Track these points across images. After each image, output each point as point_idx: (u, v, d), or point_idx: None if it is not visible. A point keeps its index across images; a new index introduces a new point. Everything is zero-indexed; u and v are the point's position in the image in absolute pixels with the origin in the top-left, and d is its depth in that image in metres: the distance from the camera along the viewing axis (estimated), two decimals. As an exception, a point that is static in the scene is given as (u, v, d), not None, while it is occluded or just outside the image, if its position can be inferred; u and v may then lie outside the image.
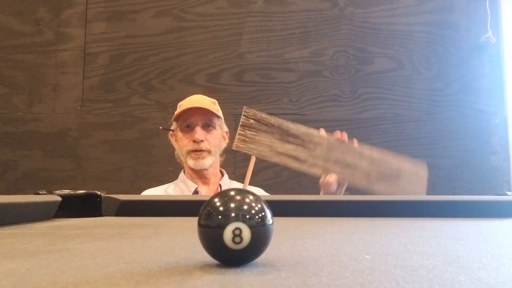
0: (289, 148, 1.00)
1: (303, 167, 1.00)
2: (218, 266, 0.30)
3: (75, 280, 0.26)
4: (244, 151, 1.00)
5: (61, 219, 0.73)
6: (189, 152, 1.23)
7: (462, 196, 0.87)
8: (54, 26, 1.91)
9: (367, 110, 1.83)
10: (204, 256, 0.31)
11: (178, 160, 1.33)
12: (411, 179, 1.02)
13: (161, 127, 1.44)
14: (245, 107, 1.00)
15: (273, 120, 1.01)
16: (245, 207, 0.30)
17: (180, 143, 1.26)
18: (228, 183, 1.32)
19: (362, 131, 1.79)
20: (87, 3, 1.92)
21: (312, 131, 1.03)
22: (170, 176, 1.43)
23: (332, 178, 1.02)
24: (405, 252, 0.36)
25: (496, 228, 0.61)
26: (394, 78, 1.84)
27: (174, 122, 1.30)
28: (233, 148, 1.00)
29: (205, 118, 1.24)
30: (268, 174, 1.77)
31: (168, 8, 1.91)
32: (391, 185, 1.01)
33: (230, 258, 0.30)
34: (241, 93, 1.86)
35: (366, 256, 0.34)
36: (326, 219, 0.73)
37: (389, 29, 1.87)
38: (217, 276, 0.27)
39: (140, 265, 0.30)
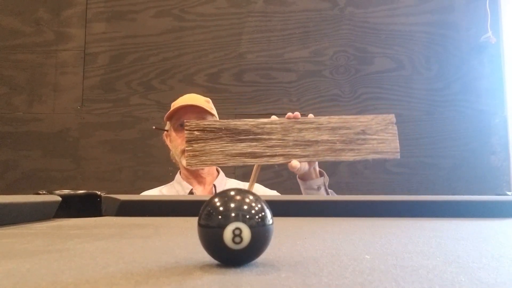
0: (242, 146, 0.94)
1: (263, 161, 0.94)
2: (218, 266, 0.30)
3: (75, 280, 0.26)
4: (198, 166, 0.94)
5: (61, 219, 0.72)
6: (184, 152, 1.22)
7: (462, 196, 0.87)
8: (54, 26, 1.91)
9: (367, 110, 1.82)
10: (204, 256, 0.31)
11: (173, 160, 1.32)
12: (380, 136, 0.95)
13: (154, 127, 1.41)
14: (185, 120, 0.95)
15: (218, 124, 0.95)
16: (245, 207, 0.30)
17: (174, 142, 1.25)
18: (224, 182, 1.31)
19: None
20: (87, 3, 1.92)
21: (262, 120, 0.97)
22: (170, 176, 1.43)
23: (295, 163, 0.95)
24: (405, 252, 0.36)
25: (496, 228, 0.61)
26: (394, 78, 1.84)
27: (167, 121, 1.28)
28: (186, 166, 0.95)
29: (199, 116, 1.23)
30: (268, 174, 1.77)
31: (168, 8, 1.91)
32: (360, 150, 0.94)
33: (230, 258, 0.30)
34: (241, 93, 1.86)
35: (366, 256, 0.34)
36: (326, 219, 0.73)
37: (389, 29, 1.86)
38: (217, 276, 0.27)
39: (140, 265, 0.30)
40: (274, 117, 1.00)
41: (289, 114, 0.98)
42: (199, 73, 1.88)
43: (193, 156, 0.93)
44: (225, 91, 1.85)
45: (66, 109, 1.87)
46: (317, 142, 0.96)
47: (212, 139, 0.94)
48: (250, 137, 0.95)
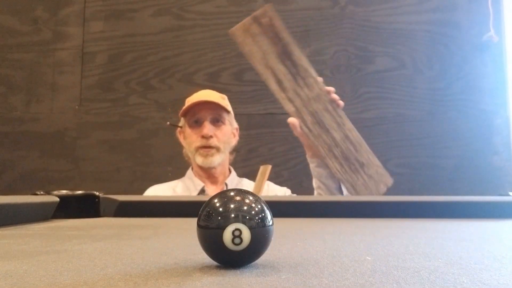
0: (279, 68, 0.95)
1: (280, 95, 0.96)
2: (217, 267, 0.30)
3: (73, 281, 0.26)
4: (238, 39, 0.95)
5: (59, 220, 0.72)
6: (198, 149, 1.20)
7: (464, 196, 0.87)
8: (51, 25, 1.90)
9: (368, 110, 1.82)
10: (204, 257, 0.31)
11: (186, 158, 1.29)
12: (368, 181, 0.97)
13: (168, 123, 1.38)
14: (270, 4, 0.96)
15: (284, 34, 0.96)
16: (245, 208, 0.30)
17: (189, 139, 1.22)
18: (236, 181, 1.29)
19: (363, 131, 1.76)
20: (85, 2, 1.91)
21: (312, 71, 0.97)
22: (169, 176, 1.42)
23: (294, 121, 0.99)
24: (406, 254, 0.36)
25: (499, 229, 0.61)
26: (395, 78, 1.84)
27: (182, 118, 1.26)
28: (229, 31, 0.95)
29: (214, 112, 1.21)
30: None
31: (167, 6, 1.91)
32: (346, 172, 0.96)
33: (230, 260, 0.30)
34: (241, 93, 1.85)
35: (367, 258, 0.34)
36: (326, 220, 0.73)
37: (390, 27, 1.86)
38: (216, 278, 0.27)
39: (139, 267, 0.30)
40: (321, 79, 1.00)
41: (334, 95, 0.99)
42: (199, 72, 1.87)
43: (243, 30, 0.94)
44: (225, 91, 1.83)
45: (64, 109, 1.87)
46: (327, 131, 0.97)
47: (269, 37, 0.95)
48: (293, 70, 0.96)
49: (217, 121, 1.22)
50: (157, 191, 1.25)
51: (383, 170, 0.99)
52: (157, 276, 0.27)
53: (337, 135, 0.97)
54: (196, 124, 1.21)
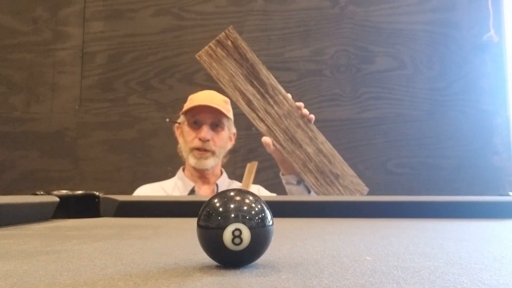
0: (248, 89, 0.97)
1: (251, 115, 0.98)
2: (217, 267, 0.30)
3: (73, 281, 0.26)
4: (204, 64, 0.98)
5: (59, 220, 0.72)
6: (193, 150, 1.21)
7: (464, 196, 0.87)
8: (51, 25, 1.90)
9: (368, 110, 1.82)
10: (204, 257, 0.31)
11: (180, 154, 1.31)
12: (347, 191, 0.98)
13: (167, 120, 1.40)
14: (231, 26, 0.99)
15: (250, 55, 0.98)
16: (245, 208, 0.30)
17: (186, 137, 1.23)
18: (227, 183, 1.30)
19: (363, 131, 1.79)
20: (85, 2, 1.91)
21: (281, 89, 1.00)
22: (169, 176, 1.42)
23: (268, 141, 1.01)
24: (406, 253, 0.36)
25: (499, 229, 0.61)
26: (395, 78, 1.84)
27: (182, 115, 1.27)
28: (196, 56, 0.97)
29: (214, 117, 1.22)
30: (268, 174, 1.76)
31: (167, 6, 1.91)
32: (321, 185, 0.98)
33: (230, 260, 0.30)
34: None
35: (367, 258, 0.34)
36: (326, 220, 0.73)
37: (390, 28, 1.86)
38: (216, 278, 0.27)
39: (139, 267, 0.30)
40: (289, 96, 1.02)
41: (304, 110, 1.02)
42: (199, 72, 1.87)
43: (209, 54, 0.97)
44: (225, 91, 1.84)
45: (64, 109, 1.87)
46: (300, 146, 1.00)
47: (235, 59, 0.98)
48: (261, 90, 0.98)
49: (216, 126, 1.23)
50: (147, 191, 1.25)
51: (358, 179, 1.01)
52: (157, 276, 0.27)
53: (310, 150, 0.99)
54: (195, 125, 1.22)
